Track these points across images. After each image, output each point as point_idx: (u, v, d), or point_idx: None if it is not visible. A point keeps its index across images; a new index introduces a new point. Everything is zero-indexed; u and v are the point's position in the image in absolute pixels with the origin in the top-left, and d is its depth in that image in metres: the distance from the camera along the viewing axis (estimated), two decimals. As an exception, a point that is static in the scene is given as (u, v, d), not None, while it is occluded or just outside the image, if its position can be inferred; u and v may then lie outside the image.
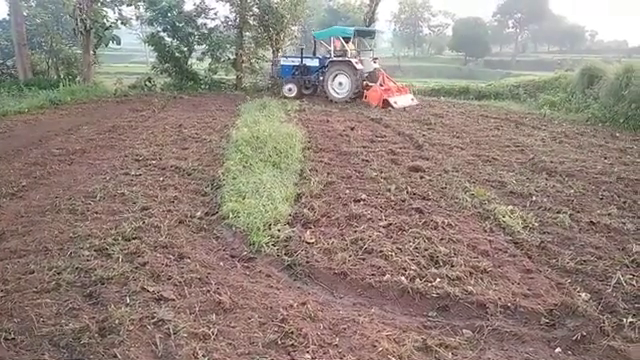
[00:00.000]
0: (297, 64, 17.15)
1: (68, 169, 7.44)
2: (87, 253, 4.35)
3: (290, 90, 16.74)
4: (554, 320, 3.54)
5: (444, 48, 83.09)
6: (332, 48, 16.33)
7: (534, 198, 6.15)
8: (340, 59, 15.98)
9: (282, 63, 17.70)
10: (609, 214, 5.64)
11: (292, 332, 3.23)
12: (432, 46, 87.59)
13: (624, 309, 3.63)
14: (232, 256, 4.61)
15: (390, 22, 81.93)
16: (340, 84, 15.92)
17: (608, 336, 3.30)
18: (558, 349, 3.25)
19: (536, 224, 5.27)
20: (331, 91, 16.05)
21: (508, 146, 9.31)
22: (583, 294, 3.85)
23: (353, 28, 17.18)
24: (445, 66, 64.23)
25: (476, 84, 20.88)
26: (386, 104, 14.84)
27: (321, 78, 16.64)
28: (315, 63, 17.00)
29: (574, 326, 3.43)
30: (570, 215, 5.53)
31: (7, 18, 19.95)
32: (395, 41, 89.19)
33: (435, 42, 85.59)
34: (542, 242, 4.81)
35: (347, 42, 16.34)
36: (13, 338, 3.15)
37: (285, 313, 3.47)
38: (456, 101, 17.36)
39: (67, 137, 9.73)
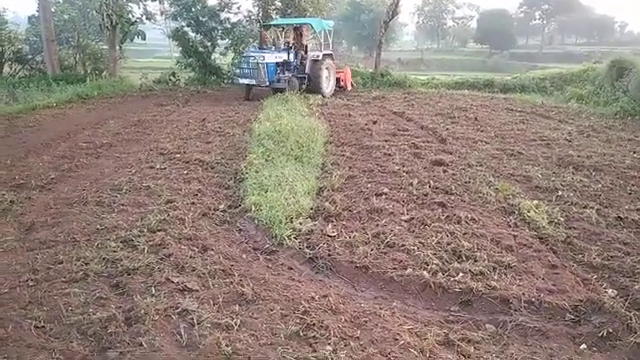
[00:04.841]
0: (279, 60, 14.57)
1: (95, 162, 7.60)
2: (114, 244, 4.45)
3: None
4: (579, 316, 3.48)
5: (468, 41, 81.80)
6: (322, 41, 15.90)
7: (560, 193, 6.03)
8: (327, 52, 15.70)
9: (267, 61, 14.07)
10: (637, 209, 5.51)
11: (314, 324, 3.26)
12: (456, 39, 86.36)
13: (652, 306, 3.54)
14: (255, 249, 4.66)
15: (413, 14, 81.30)
16: (326, 78, 15.58)
17: (635, 333, 3.23)
18: (583, 345, 3.20)
19: (562, 219, 5.17)
20: (324, 86, 15.36)
21: (534, 140, 9.13)
22: (610, 290, 3.79)
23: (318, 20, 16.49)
24: (469, 59, 63.24)
25: (501, 77, 20.51)
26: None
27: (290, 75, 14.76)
28: (292, 58, 14.99)
29: (600, 322, 3.37)
30: (597, 210, 5.41)
31: (36, 14, 20.44)
32: (418, 34, 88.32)
33: (459, 34, 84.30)
34: (568, 237, 4.72)
35: (301, 34, 15.92)
36: (43, 326, 3.25)
37: (307, 305, 3.49)
38: (480, 94, 17.05)
39: (94, 131, 9.92)
